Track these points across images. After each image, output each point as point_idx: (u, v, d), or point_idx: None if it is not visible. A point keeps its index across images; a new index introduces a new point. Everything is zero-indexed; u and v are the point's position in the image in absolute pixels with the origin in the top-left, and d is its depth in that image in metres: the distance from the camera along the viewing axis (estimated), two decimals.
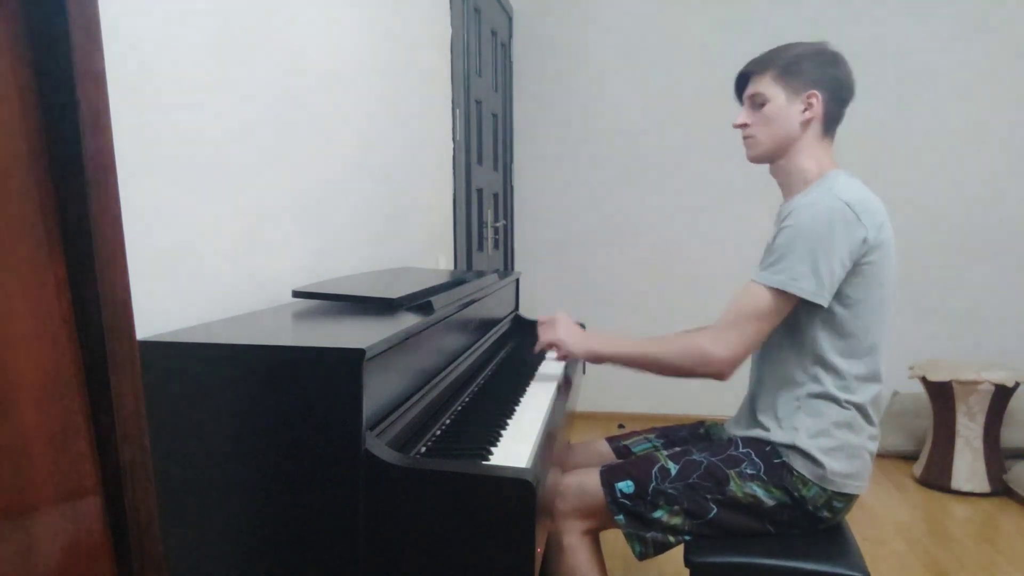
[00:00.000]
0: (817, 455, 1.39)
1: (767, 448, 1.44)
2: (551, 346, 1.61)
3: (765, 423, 1.47)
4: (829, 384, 1.41)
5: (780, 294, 1.35)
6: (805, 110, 1.43)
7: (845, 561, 1.35)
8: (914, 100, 3.50)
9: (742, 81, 1.52)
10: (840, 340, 1.40)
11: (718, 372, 1.39)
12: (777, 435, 1.44)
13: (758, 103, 1.46)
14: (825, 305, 1.36)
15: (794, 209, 1.39)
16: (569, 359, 1.63)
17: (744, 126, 1.49)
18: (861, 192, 1.40)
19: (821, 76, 1.42)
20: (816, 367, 1.41)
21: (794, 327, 1.42)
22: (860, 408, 1.42)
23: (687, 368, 1.42)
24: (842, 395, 1.40)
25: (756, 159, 1.51)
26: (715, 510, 1.41)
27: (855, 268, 1.36)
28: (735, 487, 1.41)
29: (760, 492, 1.41)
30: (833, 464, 1.39)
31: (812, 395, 1.42)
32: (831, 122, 1.47)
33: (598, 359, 1.55)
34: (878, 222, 1.38)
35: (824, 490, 1.40)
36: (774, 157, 1.48)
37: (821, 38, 1.51)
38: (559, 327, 1.60)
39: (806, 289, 1.34)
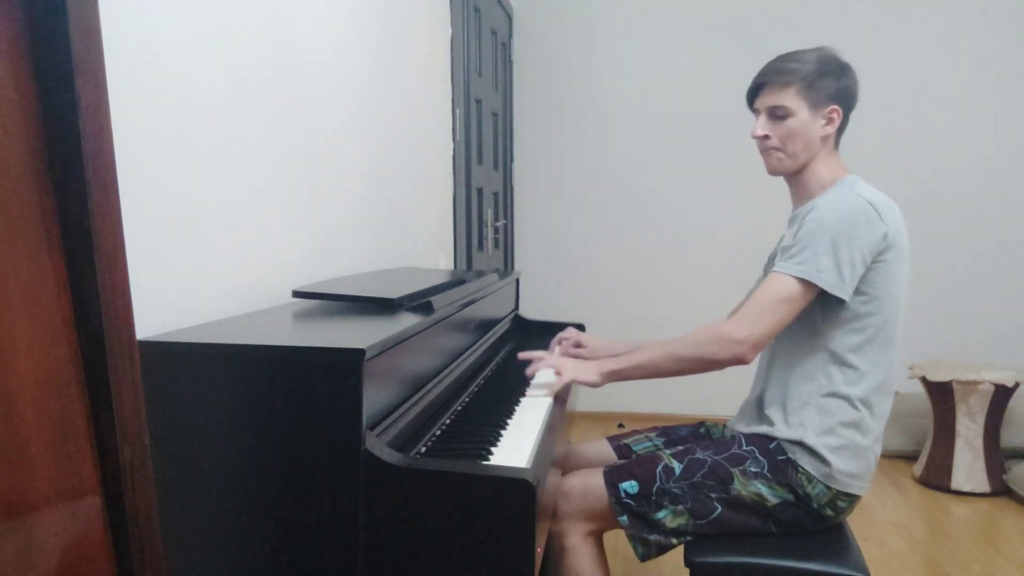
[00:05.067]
0: (823, 453, 1.40)
1: (771, 445, 1.44)
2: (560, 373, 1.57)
3: (771, 417, 1.47)
4: (842, 382, 1.41)
5: (803, 283, 1.37)
6: (826, 124, 1.45)
7: (845, 561, 1.35)
8: (914, 101, 3.50)
9: (756, 90, 1.50)
10: (856, 336, 1.41)
11: (740, 354, 1.38)
12: (783, 431, 1.44)
13: (779, 115, 1.46)
14: (847, 299, 1.37)
15: (817, 205, 1.42)
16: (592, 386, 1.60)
17: (765, 138, 1.48)
18: (879, 194, 1.43)
19: (840, 89, 1.44)
20: (831, 364, 1.42)
21: (810, 323, 1.43)
22: (871, 408, 1.42)
23: (710, 355, 1.40)
24: (855, 393, 1.41)
25: (778, 173, 1.52)
26: (719, 509, 1.41)
27: (874, 264, 1.38)
28: (739, 485, 1.41)
29: (764, 490, 1.41)
30: (839, 463, 1.40)
31: (824, 393, 1.42)
32: (842, 131, 1.50)
33: (618, 378, 1.50)
34: (896, 222, 1.41)
35: (829, 488, 1.41)
36: (796, 172, 1.50)
37: (823, 42, 1.51)
38: (569, 363, 1.57)
39: (828, 281, 1.36)
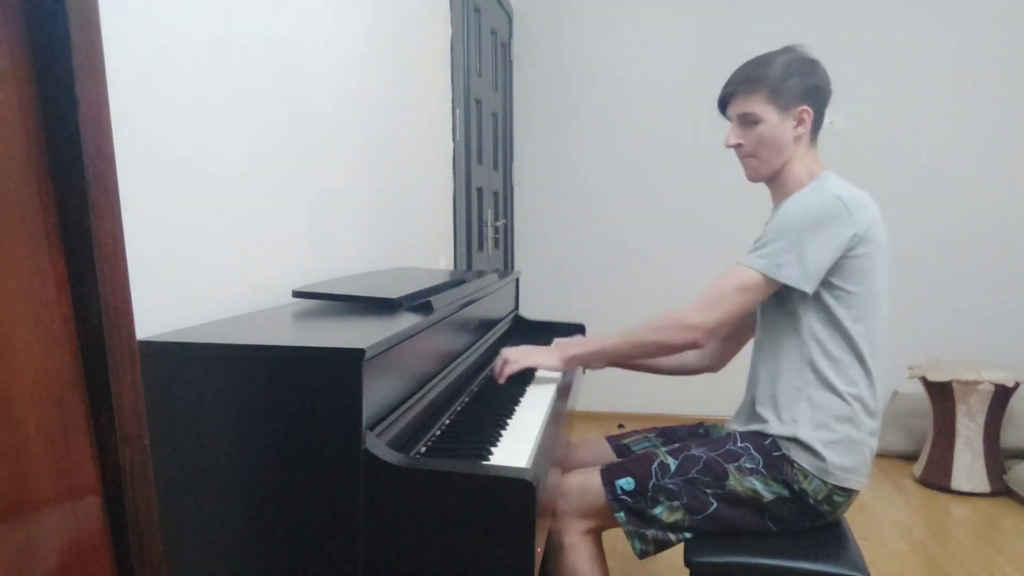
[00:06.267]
0: (818, 447, 1.40)
1: (766, 441, 1.45)
2: (527, 370, 1.62)
3: (764, 415, 1.48)
4: (831, 376, 1.42)
5: (762, 276, 1.39)
6: (798, 125, 1.46)
7: (845, 561, 1.35)
8: (912, 101, 3.50)
9: (725, 99, 1.52)
10: (837, 332, 1.42)
11: (695, 339, 1.42)
12: (776, 427, 1.45)
13: (749, 121, 1.47)
14: (810, 292, 1.39)
15: (786, 202, 1.44)
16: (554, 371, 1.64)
17: (738, 146, 1.50)
18: (853, 190, 1.44)
19: (807, 89, 1.45)
20: (817, 358, 1.43)
21: (793, 320, 1.44)
22: (862, 402, 1.43)
23: (666, 340, 1.45)
24: (844, 388, 1.42)
25: (756, 180, 1.54)
26: (714, 505, 1.41)
27: (846, 261, 1.39)
28: (734, 481, 1.41)
29: (759, 486, 1.41)
30: (833, 457, 1.40)
31: (814, 387, 1.43)
32: (816, 128, 1.50)
33: (579, 363, 1.58)
34: (870, 217, 1.41)
35: (824, 483, 1.41)
36: (773, 175, 1.51)
37: (820, 37, 1.52)
38: (528, 353, 1.61)
39: (789, 275, 1.38)
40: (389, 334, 1.08)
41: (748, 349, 1.70)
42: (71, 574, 0.64)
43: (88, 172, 0.63)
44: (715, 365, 1.78)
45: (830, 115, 1.53)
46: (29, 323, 0.60)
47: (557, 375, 1.72)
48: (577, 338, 1.79)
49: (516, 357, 1.60)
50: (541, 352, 1.61)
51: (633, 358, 1.53)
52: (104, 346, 0.65)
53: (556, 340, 1.80)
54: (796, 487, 1.41)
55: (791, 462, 1.42)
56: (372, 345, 1.00)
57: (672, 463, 1.44)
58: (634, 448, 1.68)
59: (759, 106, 1.45)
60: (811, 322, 1.42)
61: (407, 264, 2.30)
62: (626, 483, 1.43)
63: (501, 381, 1.59)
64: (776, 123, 1.45)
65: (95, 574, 0.67)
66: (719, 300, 1.41)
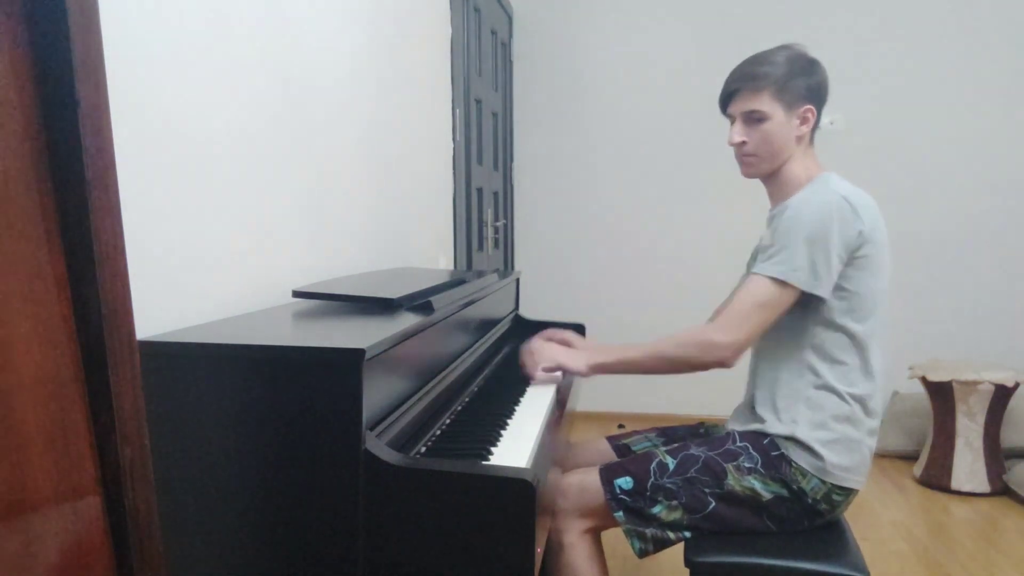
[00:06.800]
0: (816, 447, 1.40)
1: (765, 441, 1.45)
2: (554, 370, 1.60)
3: (763, 415, 1.48)
4: (830, 377, 1.42)
5: (780, 284, 1.38)
6: (801, 124, 1.46)
7: (845, 561, 1.35)
8: (912, 100, 3.50)
9: (729, 96, 1.50)
10: (837, 332, 1.42)
11: (722, 358, 1.41)
12: (775, 427, 1.45)
13: (755, 119, 1.46)
14: (825, 296, 1.39)
15: (791, 204, 1.43)
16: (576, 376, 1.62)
17: (743, 144, 1.49)
18: (854, 188, 1.44)
19: (811, 88, 1.45)
20: (815, 360, 1.43)
21: (792, 321, 1.44)
22: (861, 402, 1.43)
23: (693, 358, 1.44)
24: (843, 388, 1.42)
25: (754, 176, 1.53)
26: (713, 504, 1.42)
27: (851, 260, 1.39)
28: (733, 481, 1.41)
29: (758, 485, 1.41)
30: (832, 456, 1.41)
31: (813, 388, 1.43)
32: (816, 127, 1.50)
33: (604, 371, 1.54)
34: (872, 215, 1.41)
35: (823, 482, 1.41)
36: (772, 173, 1.50)
37: (819, 37, 1.52)
38: (556, 352, 1.59)
39: (804, 281, 1.37)
40: (389, 334, 1.08)
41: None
42: (71, 574, 0.64)
43: (88, 172, 0.63)
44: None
45: (829, 115, 1.53)
46: (29, 323, 0.60)
47: (558, 373, 1.72)
48: (585, 340, 1.77)
49: (545, 357, 1.58)
50: (569, 354, 1.58)
51: (658, 372, 1.50)
52: (104, 346, 0.65)
53: (576, 339, 1.78)
54: (795, 486, 1.41)
55: (790, 461, 1.42)
56: (372, 345, 1.00)
57: (671, 462, 1.44)
58: (634, 448, 1.68)
59: (766, 103, 1.44)
60: (811, 323, 1.43)
61: (407, 264, 2.30)
62: (625, 482, 1.43)
63: (534, 380, 1.58)
64: (782, 121, 1.44)
65: (95, 574, 0.67)
66: (744, 317, 1.40)
